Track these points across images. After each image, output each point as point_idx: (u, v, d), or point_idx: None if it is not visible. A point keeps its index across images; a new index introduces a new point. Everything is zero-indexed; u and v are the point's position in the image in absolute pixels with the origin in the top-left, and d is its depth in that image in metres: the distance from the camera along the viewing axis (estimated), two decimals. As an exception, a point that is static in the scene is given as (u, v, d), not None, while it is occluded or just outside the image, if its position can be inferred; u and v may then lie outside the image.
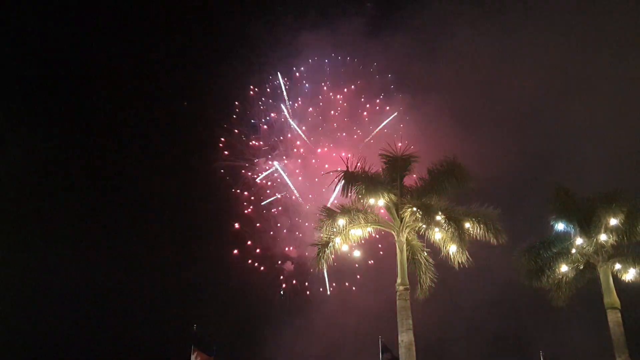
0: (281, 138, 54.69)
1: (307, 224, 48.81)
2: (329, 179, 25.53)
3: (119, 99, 53.15)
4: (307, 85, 55.01)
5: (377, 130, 52.56)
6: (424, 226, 24.07)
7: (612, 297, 25.57)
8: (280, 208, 52.79)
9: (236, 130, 54.61)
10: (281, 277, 50.48)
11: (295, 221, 51.37)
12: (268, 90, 55.48)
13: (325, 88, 55.53)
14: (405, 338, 22.40)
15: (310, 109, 54.91)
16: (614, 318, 25.28)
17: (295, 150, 54.40)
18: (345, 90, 55.57)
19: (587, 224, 26.07)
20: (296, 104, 55.21)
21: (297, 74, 55.48)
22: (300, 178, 53.15)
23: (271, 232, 52.35)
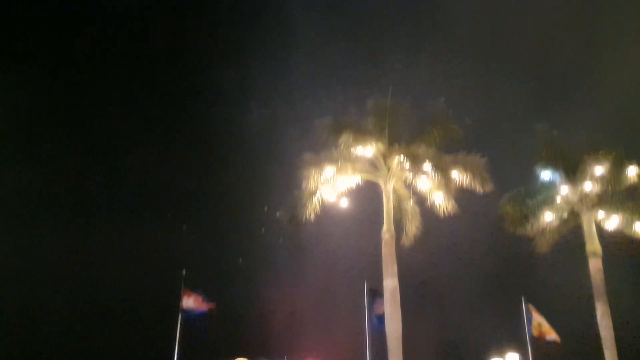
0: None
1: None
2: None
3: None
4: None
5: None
6: (411, 175, 24.30)
7: (594, 245, 26.15)
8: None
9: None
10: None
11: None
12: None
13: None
14: (390, 283, 22.97)
15: None
16: (595, 265, 25.93)
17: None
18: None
19: (573, 173, 26.44)
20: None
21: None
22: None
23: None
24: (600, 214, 26.68)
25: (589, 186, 26.11)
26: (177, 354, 25.50)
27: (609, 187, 26.29)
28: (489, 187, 23.86)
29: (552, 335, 27.47)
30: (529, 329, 27.57)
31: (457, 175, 23.80)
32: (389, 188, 24.30)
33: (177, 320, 25.86)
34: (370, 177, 24.86)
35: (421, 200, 24.87)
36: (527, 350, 27.71)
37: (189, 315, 25.90)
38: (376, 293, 26.24)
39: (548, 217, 27.13)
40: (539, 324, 27.19)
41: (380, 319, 25.07)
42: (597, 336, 25.27)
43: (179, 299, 26.58)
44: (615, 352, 24.67)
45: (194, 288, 27.20)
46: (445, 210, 24.07)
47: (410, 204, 25.22)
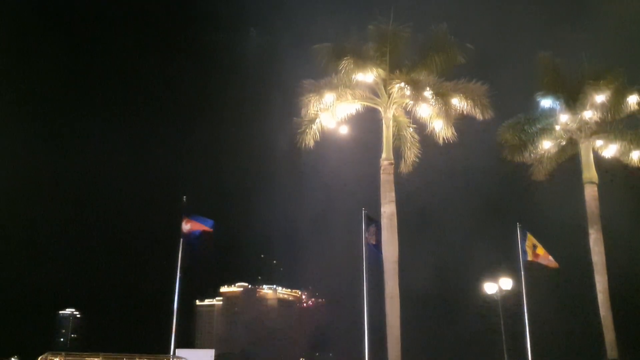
0: None
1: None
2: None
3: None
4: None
5: None
6: (412, 102, 24.14)
7: (590, 172, 26.40)
8: None
9: None
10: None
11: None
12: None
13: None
14: (387, 209, 23.30)
15: None
16: (590, 192, 26.27)
17: None
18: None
19: (573, 101, 26.30)
20: None
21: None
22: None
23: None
24: (598, 142, 26.80)
25: (588, 114, 26.07)
26: (179, 279, 26.11)
27: (609, 116, 26.29)
28: (489, 114, 23.72)
29: (547, 259, 28.04)
30: (524, 255, 28.21)
31: (458, 103, 23.62)
32: (388, 115, 24.19)
33: (179, 246, 26.32)
34: (370, 103, 24.68)
35: (421, 128, 24.82)
36: (521, 275, 28.45)
37: (188, 238, 26.29)
38: (372, 221, 26.67)
39: (546, 145, 27.25)
40: (534, 244, 27.68)
41: (376, 246, 25.58)
42: (589, 262, 25.93)
43: (179, 225, 26.95)
44: (606, 277, 25.38)
45: (193, 214, 27.51)
46: (444, 137, 24.04)
47: (409, 131, 25.17)
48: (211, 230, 26.94)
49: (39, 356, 9.40)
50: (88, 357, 9.63)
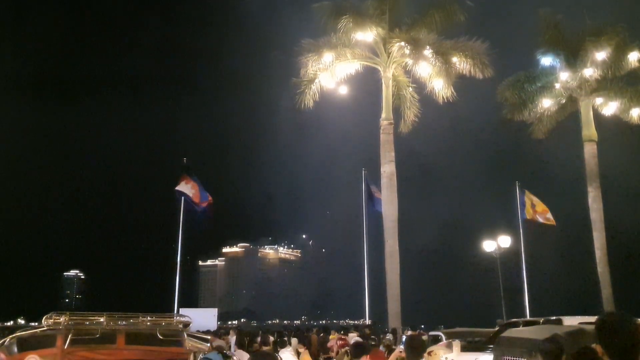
0: None
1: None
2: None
3: None
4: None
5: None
6: (411, 61, 23.95)
7: (590, 130, 26.36)
8: None
9: None
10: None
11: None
12: None
13: None
14: (387, 169, 23.41)
15: None
16: (590, 150, 26.28)
17: None
18: None
19: (574, 58, 26.04)
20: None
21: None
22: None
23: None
24: (598, 100, 26.66)
25: (589, 72, 25.83)
26: (182, 240, 26.37)
27: (609, 73, 26.04)
28: (489, 72, 23.56)
29: (545, 217, 28.16)
30: (522, 213, 28.36)
31: (458, 61, 23.44)
32: (388, 74, 24.06)
33: (180, 207, 26.43)
34: (369, 63, 24.51)
35: (420, 87, 24.70)
36: (519, 233, 28.67)
37: (182, 196, 26.14)
38: (371, 181, 26.80)
39: (546, 103, 27.10)
40: (533, 203, 27.72)
41: (376, 204, 25.76)
42: (588, 219, 26.13)
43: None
44: (603, 234, 25.60)
45: (192, 176, 27.44)
46: (444, 96, 23.92)
47: (409, 90, 25.06)
48: (211, 200, 26.80)
49: (44, 316, 9.57)
50: (92, 316, 9.80)
